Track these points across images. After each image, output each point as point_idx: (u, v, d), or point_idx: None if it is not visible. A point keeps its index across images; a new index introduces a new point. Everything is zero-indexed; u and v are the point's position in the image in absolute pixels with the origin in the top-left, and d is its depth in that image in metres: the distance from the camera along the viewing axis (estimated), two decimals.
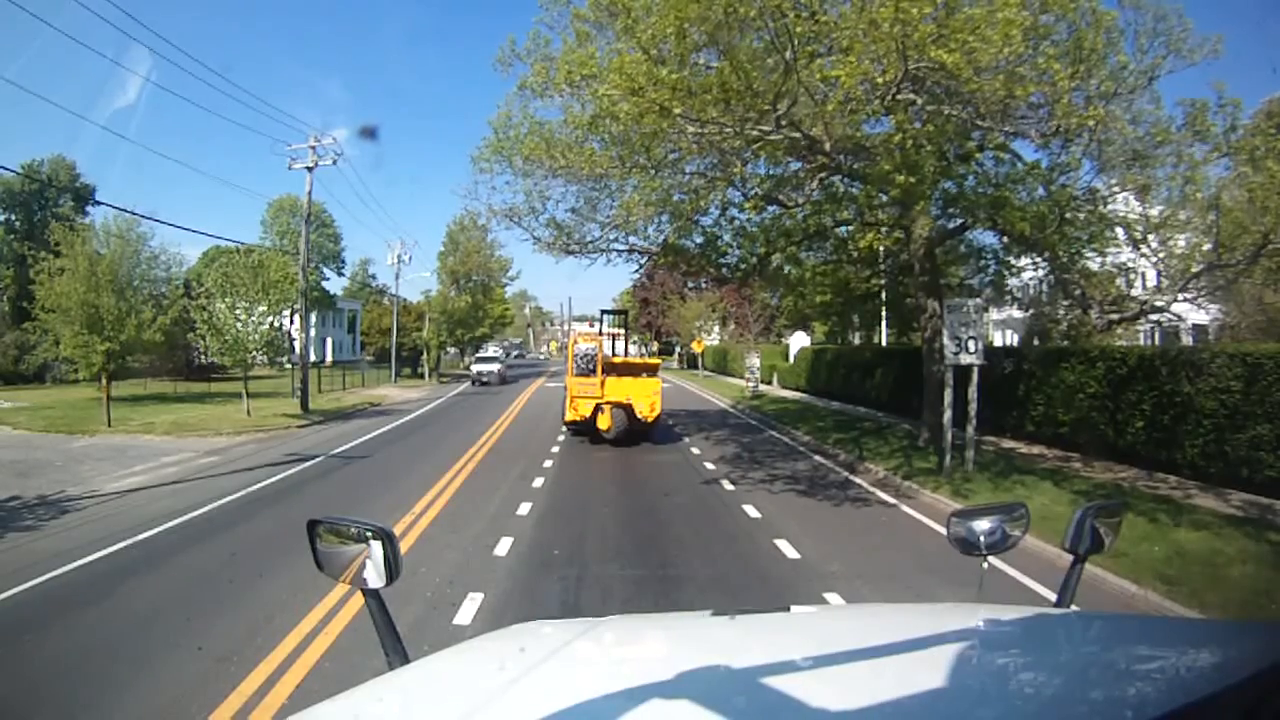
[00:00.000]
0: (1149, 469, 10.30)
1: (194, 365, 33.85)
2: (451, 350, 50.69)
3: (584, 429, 14.39)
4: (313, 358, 30.08)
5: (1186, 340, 18.16)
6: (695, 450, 13.82)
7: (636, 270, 19.52)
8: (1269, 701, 0.81)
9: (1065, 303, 12.81)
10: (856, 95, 7.70)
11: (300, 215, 33.20)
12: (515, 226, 12.14)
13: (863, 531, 8.03)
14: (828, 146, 8.90)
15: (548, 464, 12.22)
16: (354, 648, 4.59)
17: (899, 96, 8.15)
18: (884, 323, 27.02)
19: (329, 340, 57.49)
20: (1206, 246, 10.28)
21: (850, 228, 12.39)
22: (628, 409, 13.94)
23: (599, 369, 14.08)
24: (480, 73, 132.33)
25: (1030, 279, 16.27)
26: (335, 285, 60.31)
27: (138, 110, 61.79)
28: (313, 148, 22.59)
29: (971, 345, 10.01)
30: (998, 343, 27.94)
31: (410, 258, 40.82)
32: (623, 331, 19.58)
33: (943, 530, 1.80)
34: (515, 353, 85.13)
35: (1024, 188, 10.95)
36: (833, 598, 5.66)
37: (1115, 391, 11.05)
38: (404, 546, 3.86)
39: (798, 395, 25.91)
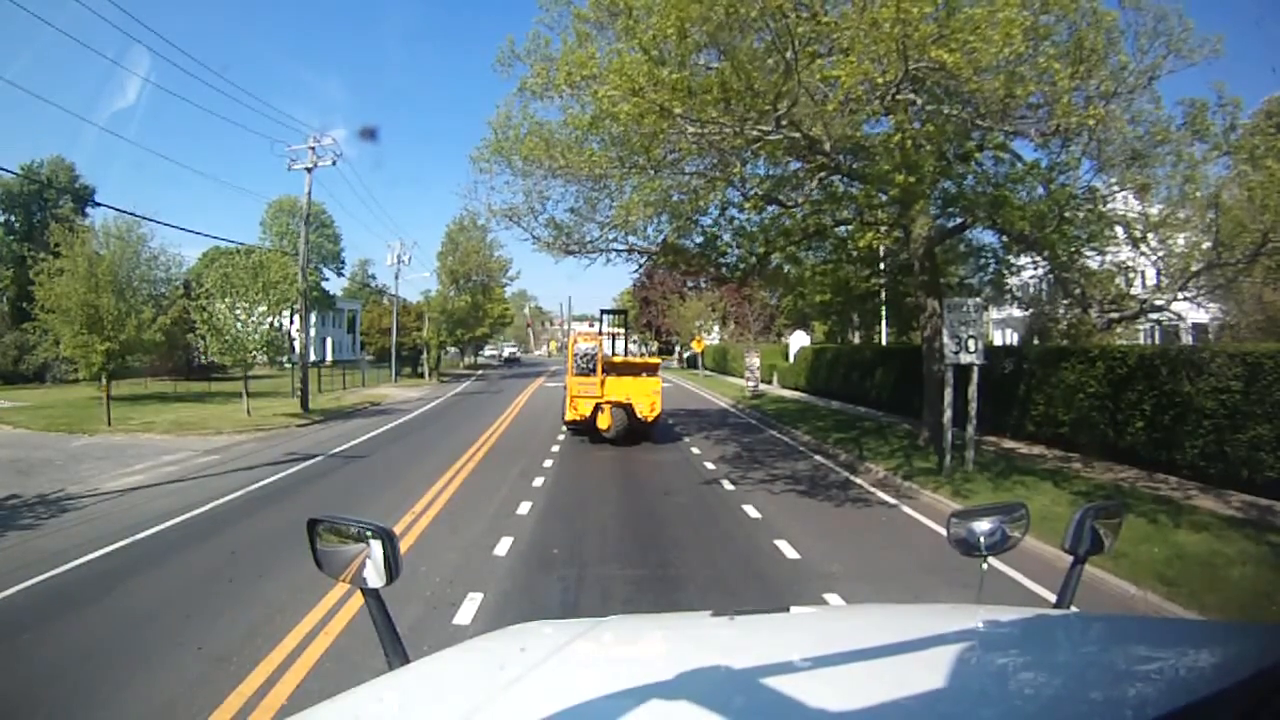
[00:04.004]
0: (1149, 469, 10.29)
1: (194, 365, 33.89)
2: (452, 350, 50.73)
3: (584, 428, 14.39)
4: (313, 357, 30.08)
5: (1186, 339, 18.18)
6: (695, 450, 13.82)
7: (636, 270, 19.55)
8: (1268, 703, 0.81)
9: (1065, 302, 12.83)
10: (857, 95, 7.69)
11: (300, 216, 33.19)
12: (515, 226, 12.15)
13: (863, 532, 8.03)
14: (828, 146, 8.89)
15: (548, 463, 12.22)
16: (354, 648, 4.59)
17: (899, 96, 8.15)
18: (884, 322, 27.01)
19: (329, 340, 57.50)
20: (1206, 245, 10.28)
21: (850, 227, 12.39)
22: (628, 408, 13.94)
23: (599, 368, 14.09)
24: (480, 73, 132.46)
25: (1030, 278, 16.28)
26: (335, 285, 60.46)
27: (137, 111, 61.86)
28: (312, 148, 22.59)
29: (971, 344, 10.01)
30: (998, 342, 27.97)
31: (410, 258, 40.85)
32: (623, 331, 19.57)
33: (943, 531, 1.80)
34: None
35: (1023, 187, 10.96)
36: (833, 598, 5.66)
37: (1115, 391, 11.04)
38: (404, 546, 3.86)
39: (798, 395, 25.91)
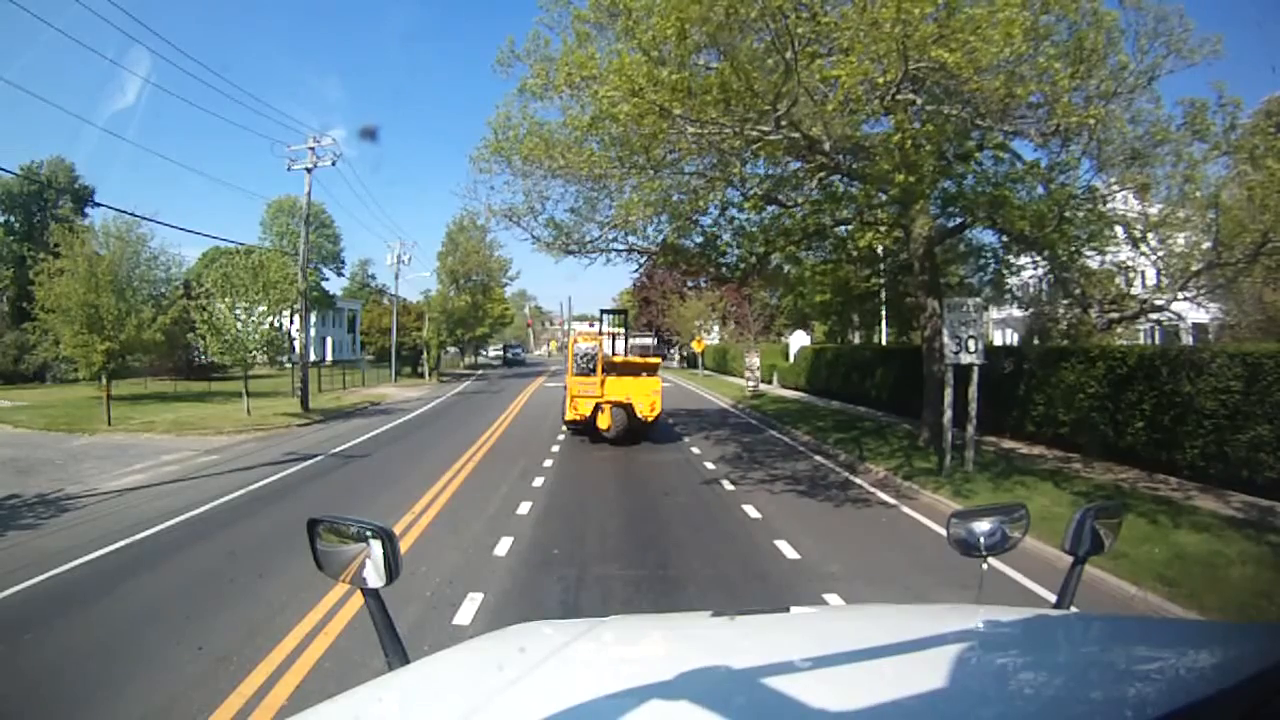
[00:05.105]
0: (1149, 470, 10.29)
1: (194, 364, 33.91)
2: (452, 349, 50.72)
3: (584, 428, 14.40)
4: (313, 357, 30.09)
5: (1186, 339, 18.16)
6: (695, 450, 13.82)
7: (636, 270, 19.54)
8: (1268, 703, 0.81)
9: (1065, 302, 12.80)
10: (856, 95, 7.68)
11: (299, 216, 33.19)
12: (514, 226, 12.13)
13: (863, 532, 8.03)
14: (827, 146, 8.90)
15: (548, 463, 12.22)
16: (354, 648, 4.59)
17: (899, 96, 8.15)
18: (884, 322, 27.02)
19: (329, 340, 57.51)
20: (1206, 245, 10.28)
21: (849, 227, 12.37)
22: (628, 408, 13.94)
23: (599, 368, 14.09)
24: (480, 73, 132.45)
25: (1030, 278, 16.26)
26: (335, 285, 60.40)
27: (137, 111, 61.86)
28: (312, 149, 22.60)
29: (971, 344, 10.00)
30: (998, 342, 27.93)
31: (410, 258, 40.95)
32: (622, 331, 19.56)
33: (943, 531, 1.80)
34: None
35: (1023, 186, 10.95)
36: (832, 598, 5.66)
37: (1115, 391, 11.04)
38: (404, 546, 3.85)
39: (798, 394, 25.91)
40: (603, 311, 19.06)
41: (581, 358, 14.34)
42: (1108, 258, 12.50)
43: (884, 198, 10.24)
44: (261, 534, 7.77)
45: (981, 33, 6.93)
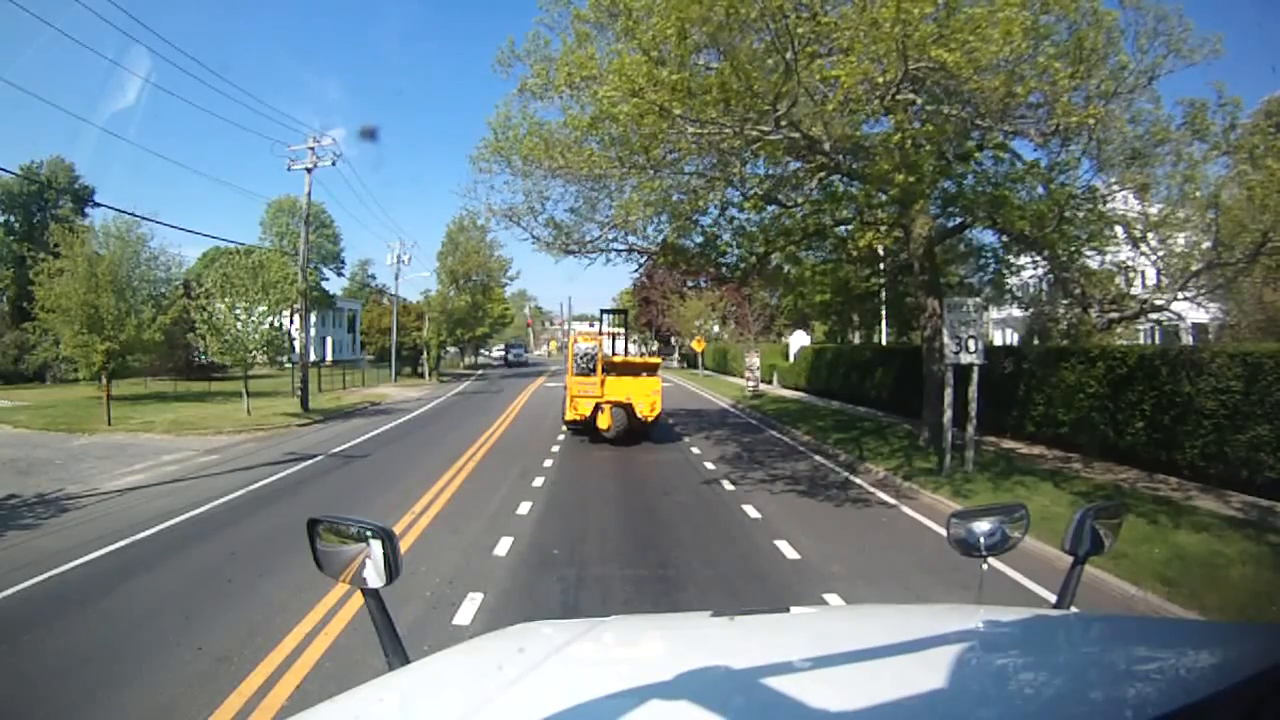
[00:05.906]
0: (1149, 470, 10.29)
1: (194, 364, 33.91)
2: (452, 350, 50.74)
3: (584, 428, 14.40)
4: (313, 357, 30.08)
5: (1186, 339, 18.16)
6: (695, 450, 13.82)
7: (636, 270, 19.55)
8: (1268, 703, 0.81)
9: (1065, 301, 12.82)
10: (856, 95, 7.69)
11: (299, 216, 33.21)
12: (514, 226, 12.12)
13: (863, 532, 8.03)
14: (827, 146, 8.89)
15: (548, 463, 12.22)
16: (354, 648, 4.60)
17: (899, 96, 8.14)
18: (884, 322, 27.02)
19: (329, 340, 57.52)
20: (1206, 245, 10.27)
21: (850, 227, 12.36)
22: (628, 408, 13.95)
23: (599, 368, 14.09)
24: (480, 73, 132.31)
25: (1030, 278, 16.27)
26: (335, 285, 60.49)
27: (137, 111, 61.64)
28: (312, 149, 22.61)
29: (971, 344, 10.00)
30: (998, 342, 27.94)
31: (410, 258, 40.97)
32: (623, 331, 19.56)
33: (943, 531, 1.80)
34: None
35: (1023, 186, 10.95)
36: (832, 598, 5.66)
37: (1115, 391, 11.04)
38: (404, 546, 3.85)
39: (798, 395, 25.91)
40: (603, 311, 19.07)
41: (581, 358, 14.34)
42: (1108, 258, 12.49)
43: (884, 198, 10.21)
44: (261, 534, 7.77)
45: (981, 32, 6.93)
